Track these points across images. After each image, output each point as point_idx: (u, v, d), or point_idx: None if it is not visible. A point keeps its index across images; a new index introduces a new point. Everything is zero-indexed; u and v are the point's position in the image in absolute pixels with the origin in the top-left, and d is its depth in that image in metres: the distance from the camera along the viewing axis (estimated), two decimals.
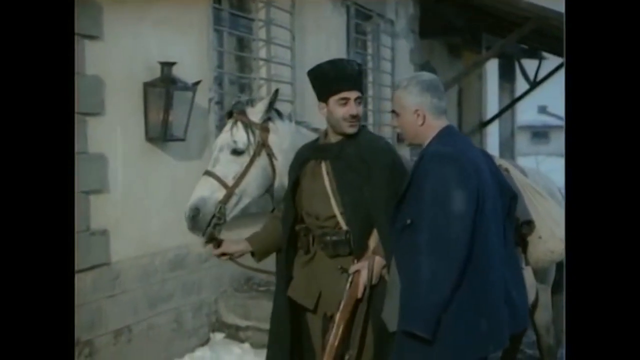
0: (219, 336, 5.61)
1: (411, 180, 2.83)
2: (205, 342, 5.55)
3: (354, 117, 3.11)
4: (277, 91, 3.43)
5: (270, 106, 3.37)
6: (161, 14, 5.07)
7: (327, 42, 7.13)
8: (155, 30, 5.01)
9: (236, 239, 3.44)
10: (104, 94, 4.61)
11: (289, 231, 3.24)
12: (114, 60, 4.69)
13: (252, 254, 3.40)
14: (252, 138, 3.31)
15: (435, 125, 2.89)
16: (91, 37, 4.50)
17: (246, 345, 5.46)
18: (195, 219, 3.26)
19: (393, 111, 3.00)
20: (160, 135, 4.95)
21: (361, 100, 3.16)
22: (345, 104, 3.10)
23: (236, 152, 3.31)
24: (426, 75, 2.98)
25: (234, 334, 5.60)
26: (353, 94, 3.10)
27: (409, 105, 2.89)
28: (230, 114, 3.42)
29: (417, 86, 2.89)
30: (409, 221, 2.75)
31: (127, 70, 4.79)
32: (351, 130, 3.13)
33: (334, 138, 3.19)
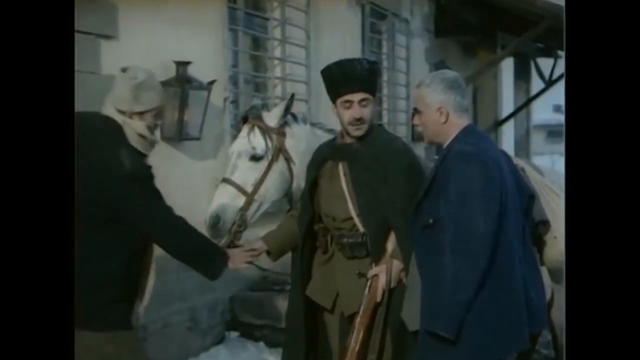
0: (233, 335, 5.62)
1: (433, 179, 2.80)
2: (220, 340, 5.55)
3: (358, 120, 3.07)
4: (293, 96, 3.43)
5: (287, 111, 3.37)
6: (176, 13, 5.08)
7: (342, 41, 7.12)
8: (170, 30, 5.02)
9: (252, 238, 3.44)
10: None
11: (305, 230, 3.23)
12: (129, 60, 4.66)
13: (268, 253, 3.39)
14: (269, 143, 3.31)
15: (457, 123, 2.87)
16: (106, 37, 4.51)
17: (261, 344, 5.46)
18: (215, 227, 3.27)
19: (415, 109, 2.97)
20: (176, 134, 4.96)
21: (368, 101, 3.09)
22: (349, 106, 3.06)
23: (255, 158, 3.31)
24: (449, 73, 2.96)
25: (248, 332, 5.59)
26: (357, 96, 3.06)
27: (432, 103, 2.87)
28: (245, 119, 3.41)
29: (441, 84, 2.87)
30: (431, 221, 2.74)
31: None
32: (356, 133, 3.10)
33: (349, 138, 3.17)
